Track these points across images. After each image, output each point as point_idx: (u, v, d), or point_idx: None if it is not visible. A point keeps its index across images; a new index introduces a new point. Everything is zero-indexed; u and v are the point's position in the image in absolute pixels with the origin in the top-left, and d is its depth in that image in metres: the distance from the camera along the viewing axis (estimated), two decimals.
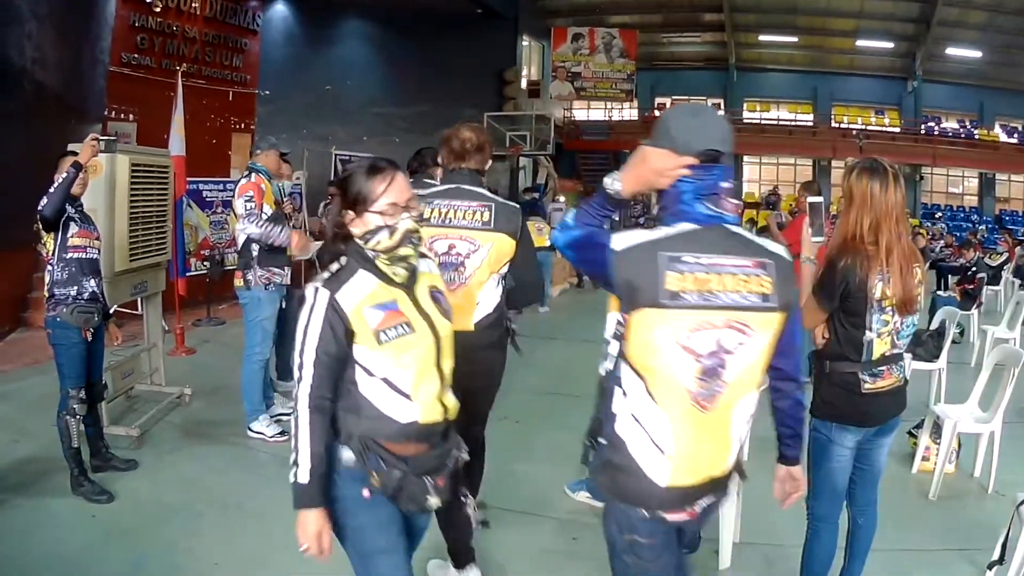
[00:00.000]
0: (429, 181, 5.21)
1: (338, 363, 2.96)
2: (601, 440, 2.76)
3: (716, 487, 2.75)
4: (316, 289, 2.96)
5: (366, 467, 2.96)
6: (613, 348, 2.70)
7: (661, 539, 2.73)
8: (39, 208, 5.41)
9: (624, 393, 2.65)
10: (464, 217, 4.47)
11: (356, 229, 2.99)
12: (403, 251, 2.95)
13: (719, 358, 2.57)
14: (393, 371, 2.97)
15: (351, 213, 2.98)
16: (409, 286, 3.07)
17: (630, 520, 2.71)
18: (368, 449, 2.96)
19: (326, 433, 2.95)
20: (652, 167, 2.61)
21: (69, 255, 5.63)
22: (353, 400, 3.01)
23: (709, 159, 2.60)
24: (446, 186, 4.64)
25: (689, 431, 2.60)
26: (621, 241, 2.59)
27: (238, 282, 7.01)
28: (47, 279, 5.68)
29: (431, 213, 4.43)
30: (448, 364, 3.16)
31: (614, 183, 2.67)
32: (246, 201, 6.79)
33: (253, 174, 6.97)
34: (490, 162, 4.77)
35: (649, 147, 2.65)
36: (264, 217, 6.79)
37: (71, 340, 5.62)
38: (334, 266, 3.04)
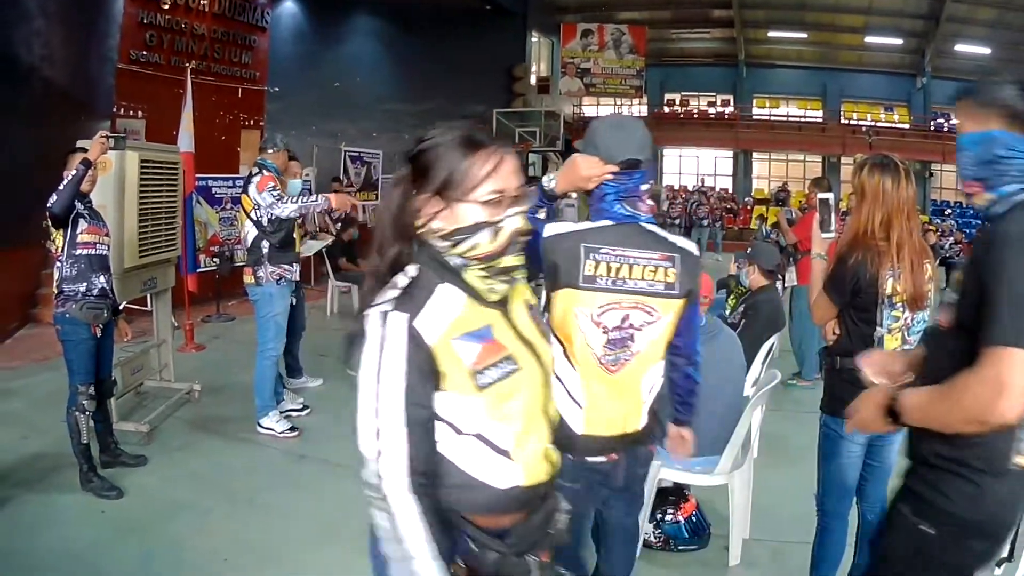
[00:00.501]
0: None
1: (433, 419, 2.14)
2: None
3: (632, 441, 3.20)
4: (384, 314, 2.07)
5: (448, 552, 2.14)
6: (544, 319, 3.01)
7: (584, 483, 3.13)
8: (48, 205, 5.42)
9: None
10: None
11: (440, 224, 2.13)
12: (508, 260, 2.16)
13: (627, 332, 3.05)
14: (490, 424, 2.17)
15: (435, 202, 2.13)
16: (503, 304, 2.26)
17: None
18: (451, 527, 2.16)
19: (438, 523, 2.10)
20: (581, 173, 3.10)
21: (78, 251, 5.65)
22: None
23: (629, 166, 3.05)
24: None
25: (599, 389, 3.08)
26: (550, 230, 3.05)
27: (248, 279, 7.03)
28: (56, 275, 5.70)
29: None
30: (553, 407, 2.41)
31: (550, 182, 3.20)
32: (269, 192, 6.83)
33: (264, 170, 7.01)
34: None
35: (580, 155, 3.13)
36: (287, 206, 6.87)
37: (80, 336, 5.64)
38: (400, 279, 2.14)
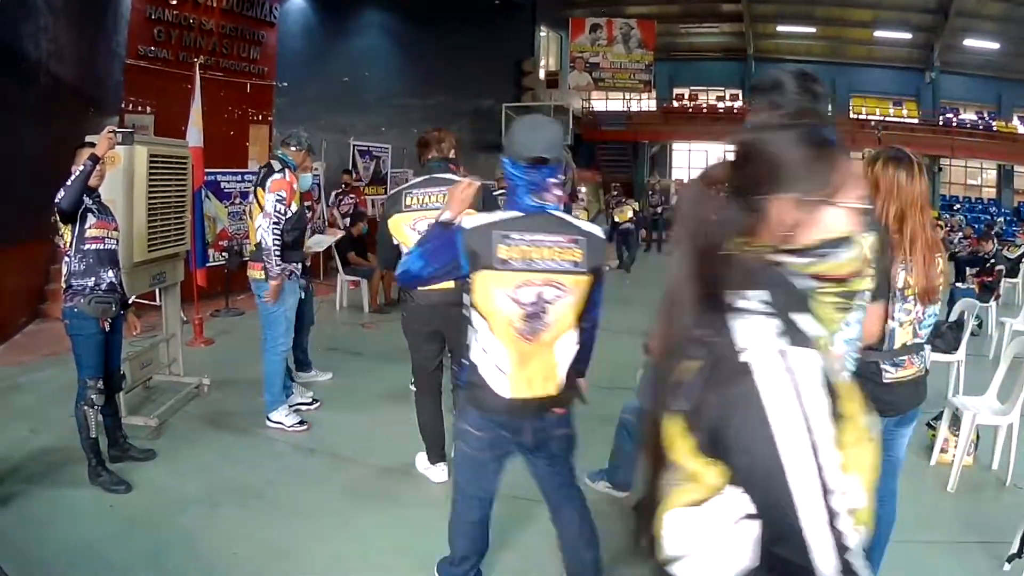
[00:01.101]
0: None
1: None
2: (465, 362, 3.69)
3: (550, 404, 3.68)
4: (783, 353, 1.59)
5: None
6: (467, 299, 3.62)
7: (489, 436, 3.68)
8: (56, 200, 5.42)
9: (475, 330, 3.60)
10: (437, 200, 5.52)
11: (804, 234, 1.70)
12: (863, 282, 1.97)
13: (540, 306, 3.50)
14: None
15: (789, 206, 1.69)
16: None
17: (468, 417, 3.72)
18: None
19: None
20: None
21: (87, 246, 5.65)
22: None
23: (537, 163, 3.47)
24: (423, 178, 5.77)
25: (519, 357, 3.54)
26: (469, 223, 3.54)
27: (258, 274, 6.99)
28: (64, 270, 5.71)
29: (412, 200, 5.61)
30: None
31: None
32: (277, 200, 6.81)
33: (287, 171, 7.00)
34: (453, 150, 5.97)
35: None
36: (281, 225, 6.88)
37: (88, 330, 5.65)
38: (750, 303, 1.68)
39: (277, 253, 6.83)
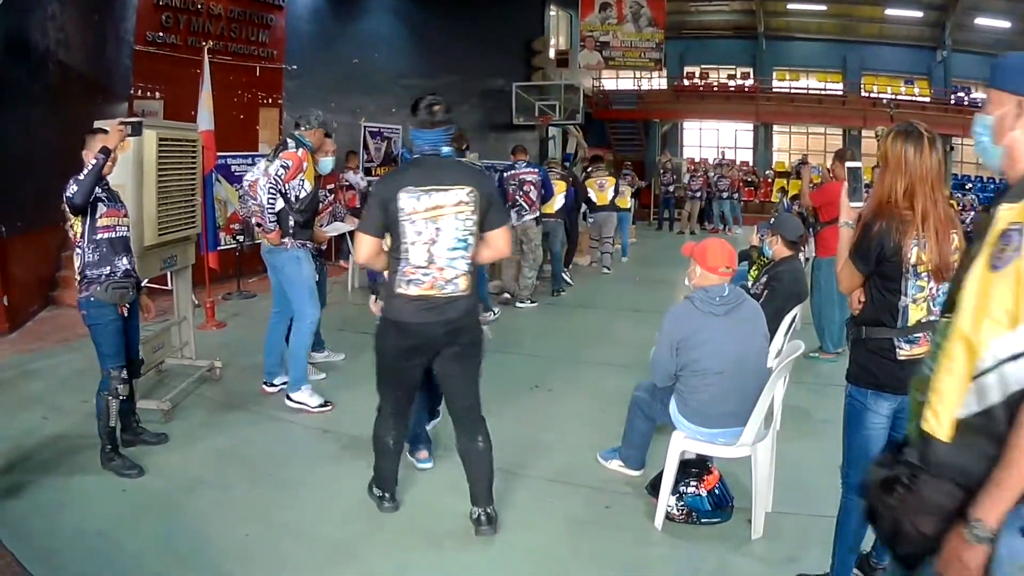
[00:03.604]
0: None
1: None
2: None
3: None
4: None
5: None
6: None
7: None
8: (68, 195, 5.39)
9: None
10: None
11: None
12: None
13: None
14: None
15: None
16: None
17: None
18: None
19: None
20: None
21: (99, 236, 5.65)
22: None
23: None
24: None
25: None
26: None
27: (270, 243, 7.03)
28: (78, 261, 5.70)
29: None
30: None
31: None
32: (281, 166, 6.87)
33: (301, 148, 7.02)
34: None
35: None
36: (278, 203, 6.94)
37: (107, 318, 5.65)
38: None
39: (271, 212, 6.89)
